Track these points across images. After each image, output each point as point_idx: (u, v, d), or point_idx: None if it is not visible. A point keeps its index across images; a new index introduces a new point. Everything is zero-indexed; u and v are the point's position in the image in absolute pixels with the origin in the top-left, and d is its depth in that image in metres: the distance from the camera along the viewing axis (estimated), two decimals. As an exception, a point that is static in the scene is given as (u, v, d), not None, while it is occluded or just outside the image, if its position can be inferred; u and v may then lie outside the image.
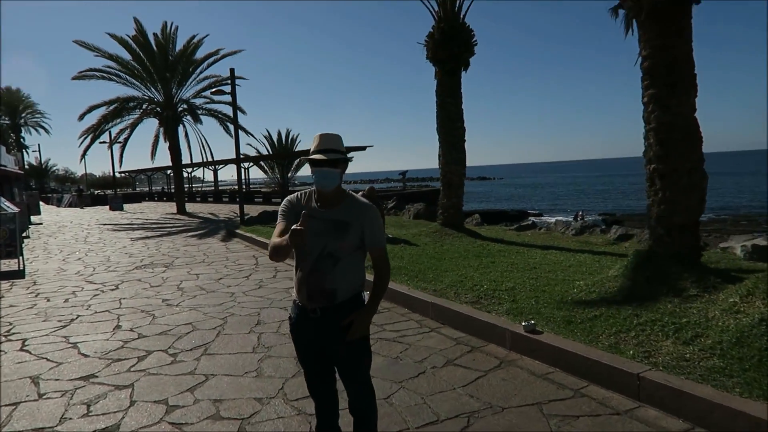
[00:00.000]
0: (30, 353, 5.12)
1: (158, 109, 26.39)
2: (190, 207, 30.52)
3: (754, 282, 4.36)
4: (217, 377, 4.26)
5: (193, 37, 25.72)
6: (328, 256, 2.43)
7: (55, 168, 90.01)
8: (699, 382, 3.23)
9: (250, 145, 57.43)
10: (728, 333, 3.76)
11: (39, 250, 13.63)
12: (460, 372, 4.12)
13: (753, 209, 36.19)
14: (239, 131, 27.29)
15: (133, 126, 26.61)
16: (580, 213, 29.55)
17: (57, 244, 15.09)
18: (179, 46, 25.61)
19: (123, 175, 61.87)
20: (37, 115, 65.73)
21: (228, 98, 26.13)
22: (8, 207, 13.57)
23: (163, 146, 29.51)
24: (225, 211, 27.54)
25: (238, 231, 15.04)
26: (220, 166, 40.63)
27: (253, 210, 27.27)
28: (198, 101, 26.90)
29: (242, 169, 41.18)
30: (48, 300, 7.53)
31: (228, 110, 26.91)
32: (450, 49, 10.64)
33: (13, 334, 5.86)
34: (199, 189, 52.91)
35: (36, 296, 7.88)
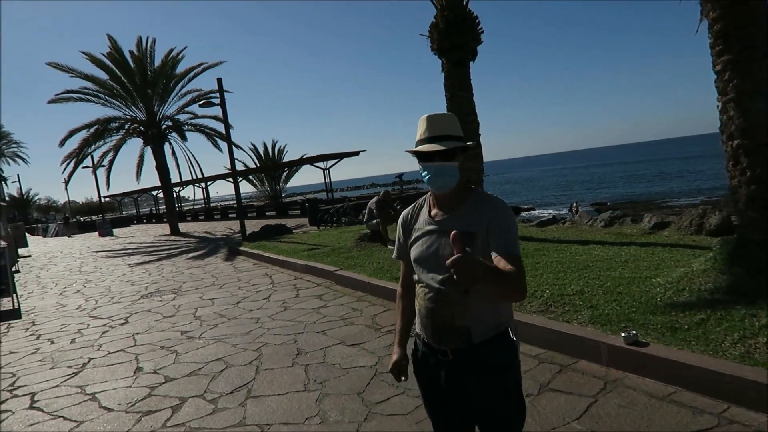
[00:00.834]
0: (42, 411, 4.42)
1: (141, 128, 25.54)
2: (183, 227, 29.63)
3: None
4: (274, 427, 3.59)
5: (172, 50, 25.00)
6: (456, 282, 1.78)
7: (37, 198, 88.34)
8: None
9: (237, 159, 56.41)
10: None
11: (32, 285, 12.80)
12: (563, 399, 3.49)
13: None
14: (223, 143, 26.64)
15: (117, 147, 25.77)
16: (575, 204, 29.17)
17: (50, 276, 14.25)
18: (158, 61, 24.84)
19: (107, 199, 60.58)
20: (13, 145, 64.26)
21: (214, 111, 25.49)
22: (-4, 242, 12.75)
23: (149, 166, 28.61)
24: (220, 228, 26.72)
25: (241, 248, 14.32)
26: (210, 182, 39.71)
27: (250, 225, 26.51)
28: (182, 117, 26.14)
29: (238, 184, 40.40)
30: (52, 342, 6.79)
31: (215, 124, 26.27)
32: (456, 38, 10.05)
33: (19, 387, 5.13)
34: (191, 207, 51.80)
35: (37, 338, 7.13)
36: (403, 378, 2.16)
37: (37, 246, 29.22)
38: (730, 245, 4.64)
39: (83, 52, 23.60)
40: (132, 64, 24.25)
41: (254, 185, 46.17)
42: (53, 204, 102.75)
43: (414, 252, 1.95)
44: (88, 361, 5.73)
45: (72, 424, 4.06)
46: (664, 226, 9.13)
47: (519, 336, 1.94)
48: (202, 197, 49.01)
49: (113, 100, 24.72)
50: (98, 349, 6.18)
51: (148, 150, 26.10)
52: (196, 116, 26.22)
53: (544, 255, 7.58)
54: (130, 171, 34.74)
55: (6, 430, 4.11)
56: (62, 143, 24.82)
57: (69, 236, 38.38)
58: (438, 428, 2.06)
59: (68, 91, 23.83)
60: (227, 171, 44.33)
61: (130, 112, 25.35)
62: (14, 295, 9.86)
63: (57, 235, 41.24)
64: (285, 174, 42.50)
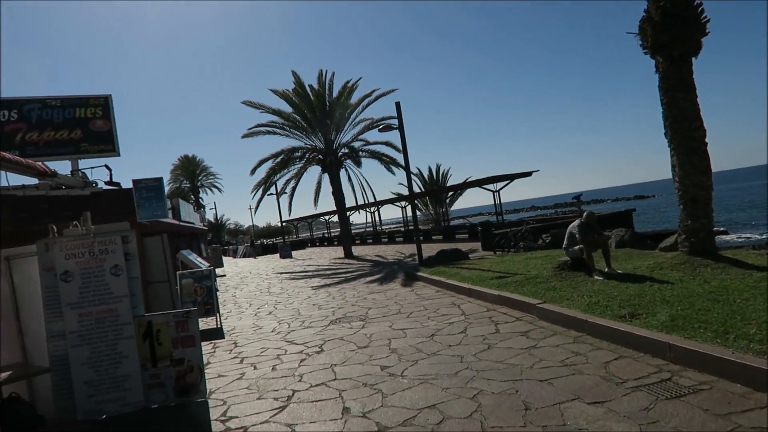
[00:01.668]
0: (256, 452, 4.11)
1: (320, 156, 27.00)
2: (354, 250, 30.57)
3: None
4: None
5: (348, 81, 26.12)
6: None
7: (228, 222, 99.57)
8: None
9: (402, 184, 58.03)
10: None
11: (230, 304, 13.68)
12: None
13: None
14: (400, 168, 26.95)
15: (298, 175, 27.50)
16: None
17: (244, 296, 15.20)
18: (335, 92, 26.14)
19: (284, 223, 65.92)
20: (211, 177, 73.57)
21: (385, 137, 26.01)
22: (201, 263, 13.87)
23: (324, 192, 30.11)
24: (390, 252, 27.00)
25: (419, 273, 13.90)
26: (378, 207, 40.86)
27: (413, 249, 26.44)
28: (356, 144, 27.13)
29: (405, 208, 41.24)
30: (255, 368, 6.76)
31: (387, 151, 26.73)
32: (676, 30, 8.56)
33: (231, 419, 4.99)
34: (361, 231, 54.02)
35: (241, 362, 7.20)
36: None
37: (229, 266, 32.33)
38: None
39: (271, 89, 25.82)
40: (312, 97, 25.86)
41: (418, 209, 46.64)
42: (239, 228, 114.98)
43: None
44: (293, 394, 5.46)
45: (288, 475, 3.64)
46: None
47: None
48: (369, 221, 50.84)
49: (296, 131, 26.55)
50: (300, 380, 5.93)
51: (325, 177, 27.51)
52: (368, 143, 27.09)
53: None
54: (305, 197, 37.02)
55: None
56: (252, 172, 27.27)
57: (254, 257, 42.16)
58: None
59: (258, 125, 26.16)
60: (394, 195, 45.57)
61: (310, 142, 27.01)
62: (218, 314, 10.42)
63: (245, 256, 45.62)
64: (450, 197, 42.20)
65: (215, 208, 74.24)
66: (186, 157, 70.90)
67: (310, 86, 26.26)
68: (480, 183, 26.37)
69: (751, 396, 3.96)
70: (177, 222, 18.32)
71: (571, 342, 6.10)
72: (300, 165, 27.32)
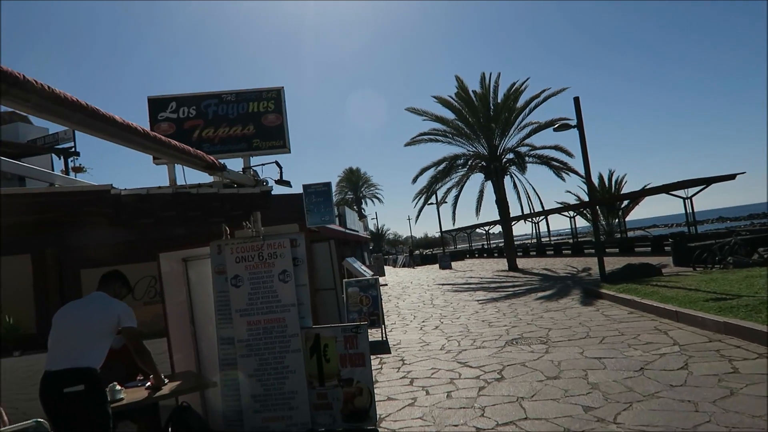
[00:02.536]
0: None
1: (483, 162, 25.92)
2: (518, 263, 28.84)
3: None
4: None
5: (514, 83, 24.74)
6: None
7: (388, 232, 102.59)
8: None
9: (570, 192, 54.47)
10: None
11: (393, 315, 13.23)
12: None
13: None
14: (570, 175, 24.80)
15: (461, 183, 26.69)
16: None
17: (407, 307, 14.70)
18: (500, 95, 24.91)
19: (442, 233, 65.70)
20: (372, 188, 76.47)
21: (554, 141, 24.07)
22: (366, 272, 13.64)
23: (486, 201, 28.84)
24: (558, 265, 24.87)
25: (602, 290, 12.15)
26: (541, 217, 38.47)
27: (585, 262, 24.07)
28: (522, 149, 25.55)
29: (574, 218, 38.38)
30: (427, 393, 5.97)
31: (557, 155, 24.76)
32: None
33: (406, 457, 4.20)
34: (525, 242, 51.62)
35: (411, 383, 6.47)
36: None
37: (390, 275, 32.58)
38: None
39: (434, 96, 25.47)
40: (476, 102, 24.96)
41: (587, 219, 43.03)
42: (398, 238, 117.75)
43: None
44: (476, 433, 4.54)
45: None
46: None
47: None
48: (529, 232, 48.27)
49: (458, 138, 25.81)
50: (482, 414, 4.99)
51: (488, 184, 26.37)
52: (535, 147, 25.34)
53: None
54: (464, 206, 35.67)
55: None
56: (414, 180, 27.08)
57: (412, 267, 42.25)
58: None
59: (420, 134, 25.94)
60: (559, 204, 42.60)
61: (473, 148, 26.06)
62: (383, 326, 9.92)
63: (404, 266, 46.04)
64: (625, 206, 38.23)
65: (376, 218, 76.87)
66: (350, 169, 74.63)
67: (473, 91, 25.40)
68: (667, 189, 23.03)
69: None
70: (343, 229, 18.59)
71: None
72: (462, 172, 26.50)
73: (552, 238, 50.70)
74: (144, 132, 2.75)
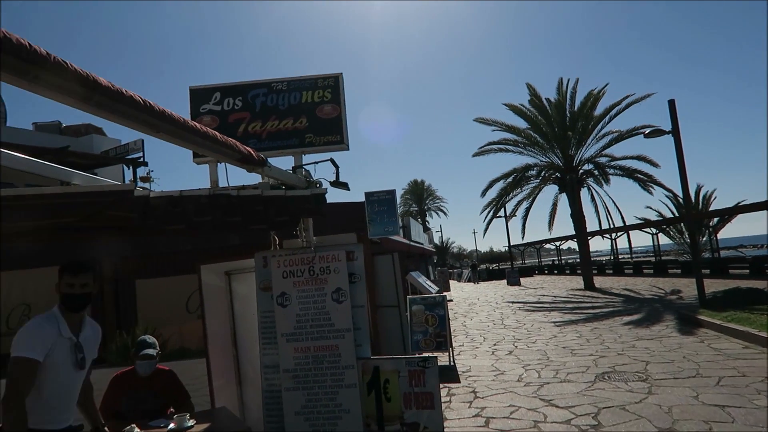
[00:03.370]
0: None
1: (557, 174, 24.36)
2: (595, 281, 26.88)
3: None
4: None
5: (592, 90, 23.12)
6: None
7: (452, 245, 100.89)
8: None
9: (650, 207, 51.56)
10: None
11: (461, 336, 12.20)
12: None
13: None
14: (655, 187, 22.83)
15: (533, 195, 25.21)
16: None
17: (475, 327, 13.61)
18: (578, 103, 23.35)
19: (511, 248, 63.43)
20: (437, 201, 75.49)
21: (635, 150, 22.18)
22: (431, 287, 12.69)
23: (559, 215, 27.19)
24: (642, 286, 22.85)
25: (701, 317, 10.62)
26: (620, 233, 36.03)
27: (672, 284, 21.91)
28: (601, 159, 23.77)
29: (656, 235, 35.77)
30: (507, 439, 4.98)
31: (641, 166, 22.85)
32: None
33: None
34: (601, 259, 48.83)
35: (486, 425, 5.49)
36: None
37: (455, 291, 31.33)
38: None
39: (505, 104, 24.26)
40: (550, 110, 23.56)
41: (670, 237, 39.97)
42: (462, 251, 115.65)
43: None
44: (577, 506, 3.52)
45: None
46: None
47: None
48: (600, 249, 45.51)
49: (530, 148, 24.41)
50: (581, 478, 3.96)
51: (562, 197, 24.76)
52: (615, 158, 23.52)
53: None
54: (535, 220, 34.31)
55: None
56: (483, 193, 25.88)
57: (476, 282, 40.71)
58: None
59: (490, 143, 24.76)
60: (639, 220, 39.80)
61: (546, 159, 24.55)
62: (450, 349, 8.95)
63: (468, 281, 44.53)
64: (715, 224, 35.12)
65: (441, 231, 75.63)
66: (415, 181, 74.08)
67: (547, 99, 24.00)
68: (768, 205, 20.69)
69: None
70: (407, 241, 17.74)
71: None
72: (534, 184, 25.01)
73: (635, 257, 47.61)
74: (143, 103, 2.05)
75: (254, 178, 4.02)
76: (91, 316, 3.31)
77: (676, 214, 38.96)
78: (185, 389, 4.09)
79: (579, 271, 38.91)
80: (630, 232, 37.61)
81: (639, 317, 12.83)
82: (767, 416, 4.90)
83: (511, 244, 49.55)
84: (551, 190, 25.84)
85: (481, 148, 24.93)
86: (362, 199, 9.13)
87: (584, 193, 24.51)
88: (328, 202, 4.16)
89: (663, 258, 34.46)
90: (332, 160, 4.15)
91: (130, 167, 16.66)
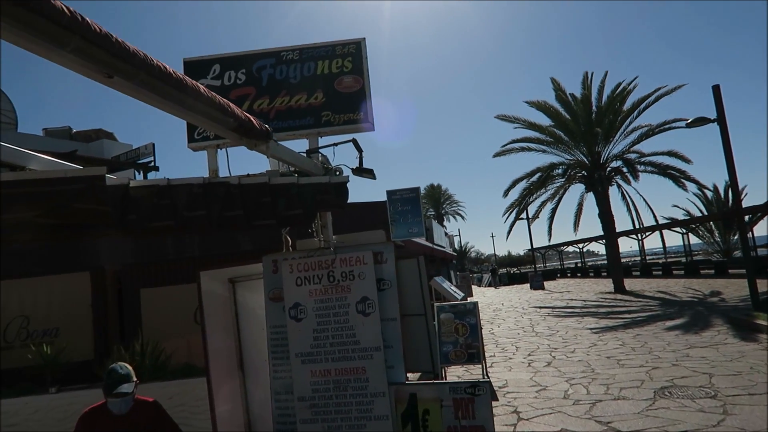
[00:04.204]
0: None
1: (583, 172, 23.32)
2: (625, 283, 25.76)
3: None
4: None
5: (620, 84, 22.09)
6: None
7: (471, 249, 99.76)
8: None
9: (677, 206, 50.09)
10: None
11: (490, 345, 11.34)
12: None
13: None
14: (687, 185, 21.74)
15: (558, 195, 24.20)
16: None
17: (505, 335, 12.75)
18: (605, 97, 22.33)
19: (533, 250, 62.10)
20: (454, 205, 74.47)
21: (667, 146, 21.12)
22: (457, 292, 11.87)
23: (586, 214, 26.08)
24: (676, 288, 21.71)
25: (758, 322, 9.66)
26: (648, 233, 34.75)
27: (708, 285, 20.77)
28: (631, 156, 22.67)
29: (687, 234, 34.44)
30: (567, 475, 4.17)
31: (672, 162, 21.75)
32: None
33: None
34: (627, 261, 47.35)
35: (537, 454, 4.67)
36: None
37: (477, 296, 30.35)
38: None
39: (527, 101, 23.36)
40: (575, 105, 22.57)
41: (699, 236, 38.55)
42: (481, 255, 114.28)
43: None
44: None
45: None
46: None
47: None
48: (631, 249, 44.10)
49: (554, 146, 23.41)
50: None
51: (589, 196, 23.73)
52: (644, 154, 22.43)
53: None
54: (558, 221, 32.90)
55: None
56: (506, 194, 24.97)
57: (495, 287, 39.62)
58: None
59: (512, 141, 23.85)
60: (666, 220, 38.44)
61: (572, 156, 23.52)
62: (483, 362, 8.12)
63: (488, 285, 43.45)
64: (747, 222, 33.72)
65: (459, 235, 74.62)
66: (432, 186, 73.12)
67: (572, 94, 23.02)
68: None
69: None
70: (431, 245, 16.94)
71: None
72: (559, 183, 23.99)
73: (657, 257, 46.16)
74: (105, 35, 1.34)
75: (261, 167, 3.29)
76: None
77: (705, 213, 37.61)
78: (175, 424, 3.34)
79: (604, 274, 37.63)
80: (663, 231, 36.28)
81: (683, 321, 11.87)
82: None
83: (536, 246, 48.40)
84: (576, 189, 24.81)
85: (503, 146, 24.03)
86: (383, 198, 8.37)
87: (612, 192, 23.46)
88: (348, 185, 3.40)
89: (695, 258, 33.09)
90: (355, 142, 3.40)
91: (141, 171, 16.16)
